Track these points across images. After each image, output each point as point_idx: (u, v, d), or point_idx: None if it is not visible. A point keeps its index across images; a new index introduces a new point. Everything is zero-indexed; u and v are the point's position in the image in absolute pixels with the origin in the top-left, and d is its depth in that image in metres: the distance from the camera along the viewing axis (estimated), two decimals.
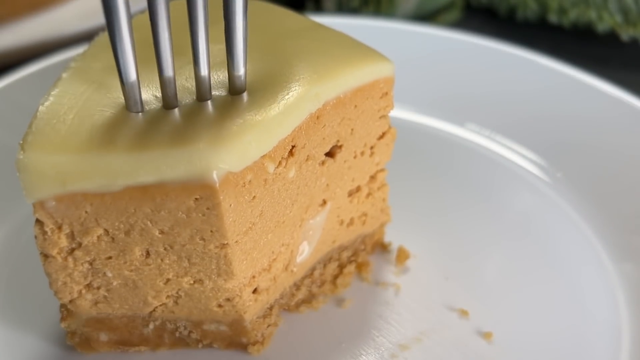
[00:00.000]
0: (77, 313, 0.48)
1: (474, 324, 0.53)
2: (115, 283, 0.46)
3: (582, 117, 0.71)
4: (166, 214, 0.42)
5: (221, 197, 0.41)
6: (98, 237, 0.43)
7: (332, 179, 0.52)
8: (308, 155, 0.48)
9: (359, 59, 0.49)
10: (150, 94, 0.43)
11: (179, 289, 0.47)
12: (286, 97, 0.44)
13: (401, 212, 0.61)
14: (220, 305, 0.48)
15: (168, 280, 0.46)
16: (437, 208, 0.64)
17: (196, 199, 0.41)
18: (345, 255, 0.58)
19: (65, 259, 0.44)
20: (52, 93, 0.44)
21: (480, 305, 0.55)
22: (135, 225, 0.43)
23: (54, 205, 0.41)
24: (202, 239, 0.43)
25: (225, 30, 0.41)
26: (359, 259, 0.58)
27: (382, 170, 0.56)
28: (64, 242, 0.43)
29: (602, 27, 0.92)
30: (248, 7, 0.41)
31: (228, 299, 0.47)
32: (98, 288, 0.46)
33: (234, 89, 0.43)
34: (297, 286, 0.55)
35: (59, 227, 0.43)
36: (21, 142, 0.41)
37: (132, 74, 0.40)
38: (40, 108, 0.43)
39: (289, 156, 0.46)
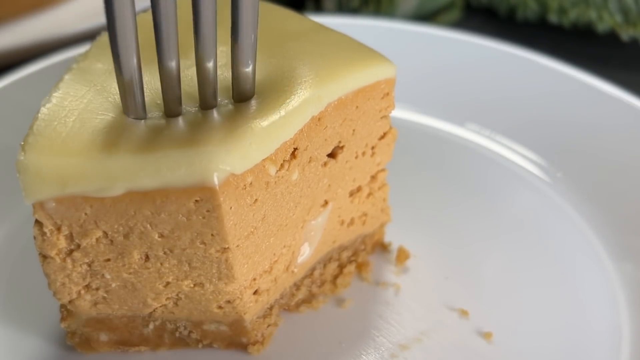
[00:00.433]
0: (76, 313, 0.48)
1: (474, 324, 0.53)
2: (113, 285, 0.46)
3: (582, 117, 0.71)
4: (166, 217, 0.42)
5: (221, 199, 0.41)
6: (97, 239, 0.43)
7: (334, 179, 0.52)
8: (311, 157, 0.48)
9: (361, 61, 0.49)
10: (151, 99, 0.43)
11: (179, 292, 0.47)
12: (289, 100, 0.44)
13: (401, 211, 0.61)
14: (220, 307, 0.48)
15: (168, 283, 0.46)
16: (437, 208, 0.64)
17: (196, 200, 0.41)
18: (345, 255, 0.58)
19: (64, 260, 0.44)
20: (54, 95, 0.44)
21: (480, 305, 0.55)
22: (134, 228, 0.43)
23: (54, 207, 0.41)
24: (203, 242, 0.43)
25: (232, 26, 0.41)
26: (359, 259, 0.58)
27: (382, 170, 0.56)
28: (62, 243, 0.43)
29: (602, 27, 0.92)
30: None
31: (228, 301, 0.47)
32: (97, 289, 0.46)
33: (243, 94, 0.43)
34: (297, 286, 0.55)
35: (58, 229, 0.43)
36: (22, 143, 0.41)
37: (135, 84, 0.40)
38: (42, 109, 0.43)
39: (291, 159, 0.46)
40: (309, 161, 0.48)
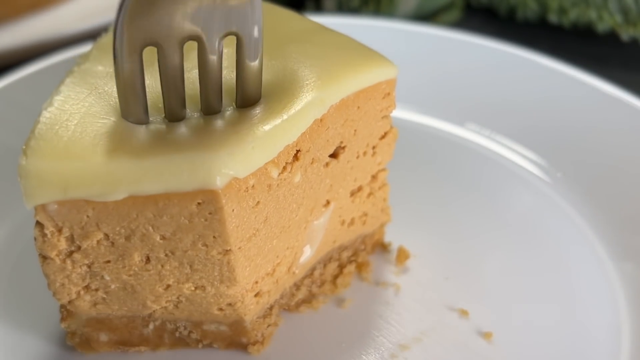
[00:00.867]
0: (76, 313, 0.48)
1: (474, 324, 0.53)
2: (113, 286, 0.46)
3: (582, 117, 0.71)
4: (168, 219, 0.42)
5: (223, 202, 0.41)
6: (98, 241, 0.43)
7: (335, 179, 0.52)
8: (313, 158, 0.48)
9: (363, 63, 0.49)
10: (152, 102, 0.43)
11: (180, 295, 0.47)
12: (291, 104, 0.44)
13: (401, 211, 0.61)
14: (221, 309, 0.48)
15: (168, 286, 0.46)
16: (437, 208, 0.64)
17: (199, 203, 0.41)
18: (345, 255, 0.58)
19: (64, 261, 0.44)
20: (55, 98, 0.44)
21: (480, 305, 0.55)
22: (136, 230, 0.43)
23: (56, 209, 0.41)
24: (205, 244, 0.43)
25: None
26: (359, 258, 0.58)
27: (383, 169, 0.56)
28: (63, 244, 0.43)
29: (602, 27, 0.92)
30: None
31: (230, 304, 0.47)
32: (96, 290, 0.46)
33: (249, 99, 0.43)
34: (297, 286, 0.55)
35: (59, 230, 0.42)
36: (24, 147, 0.40)
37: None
38: (43, 113, 0.42)
39: (293, 161, 0.46)
40: (312, 162, 0.48)
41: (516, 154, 0.70)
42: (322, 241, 0.54)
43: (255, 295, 0.49)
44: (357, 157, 0.53)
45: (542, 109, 0.73)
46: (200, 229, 0.42)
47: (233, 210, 0.42)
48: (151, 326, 0.50)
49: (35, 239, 0.43)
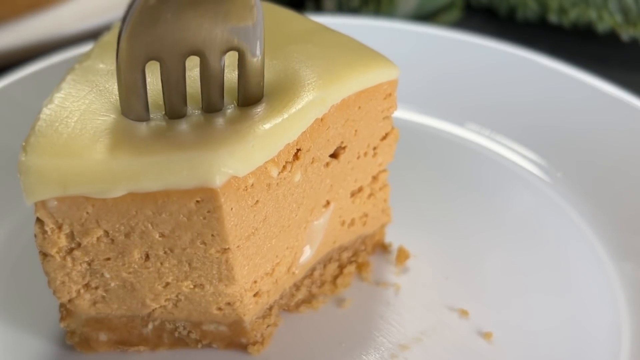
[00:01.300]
0: (76, 313, 0.48)
1: (474, 324, 0.53)
2: (112, 284, 0.46)
3: (582, 117, 0.71)
4: (167, 217, 0.42)
5: (222, 200, 0.41)
6: (98, 238, 0.43)
7: (336, 179, 0.52)
8: (313, 158, 0.48)
9: (365, 64, 0.49)
10: (153, 99, 0.43)
11: (179, 293, 0.47)
12: (292, 103, 0.44)
13: (401, 211, 0.61)
14: (220, 309, 0.48)
15: (167, 284, 0.46)
16: (437, 208, 0.64)
17: (197, 201, 0.41)
18: (345, 255, 0.58)
19: (64, 258, 0.44)
20: (56, 95, 0.44)
21: (480, 305, 0.55)
22: (135, 227, 0.43)
23: (56, 205, 0.41)
24: (203, 242, 0.43)
25: None
26: (359, 259, 0.58)
27: (384, 170, 0.56)
28: (63, 241, 0.43)
29: (602, 27, 0.92)
30: None
31: (228, 303, 0.47)
32: (96, 288, 0.46)
33: (250, 98, 0.43)
34: (296, 286, 0.55)
35: (59, 227, 0.43)
36: (23, 144, 0.41)
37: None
38: (44, 110, 0.43)
39: (294, 160, 0.46)
40: (312, 162, 0.48)
41: (516, 154, 0.70)
42: (322, 241, 0.54)
43: (255, 295, 0.49)
44: (358, 157, 0.53)
45: (542, 109, 0.73)
46: (198, 227, 0.42)
47: (232, 208, 0.42)
48: (150, 326, 0.50)
49: (35, 236, 0.43)
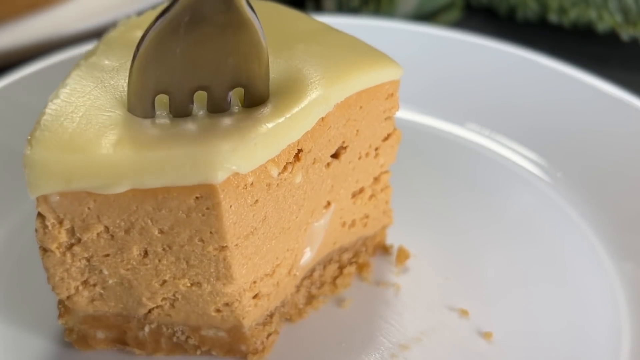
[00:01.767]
0: (74, 310, 0.48)
1: (474, 324, 0.53)
2: (110, 281, 0.46)
3: (582, 117, 0.71)
4: (167, 213, 0.42)
5: (221, 197, 0.41)
6: (98, 234, 0.43)
7: (337, 180, 0.52)
8: (315, 158, 0.48)
9: (370, 63, 0.49)
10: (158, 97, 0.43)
11: (176, 292, 0.47)
12: (296, 102, 0.44)
13: (401, 211, 0.61)
14: (218, 310, 0.48)
15: (164, 281, 0.46)
16: (437, 208, 0.64)
17: (197, 197, 0.41)
18: (345, 256, 0.58)
19: (64, 254, 0.44)
20: (61, 90, 0.44)
21: (480, 305, 0.55)
22: (135, 223, 0.43)
23: (58, 200, 0.41)
24: (201, 240, 0.43)
25: None
26: (359, 260, 0.58)
27: (386, 172, 0.56)
28: (63, 237, 0.43)
29: (602, 26, 0.92)
30: (256, 7, 0.41)
31: (227, 304, 0.47)
32: (94, 285, 0.46)
33: (256, 99, 0.43)
34: (296, 288, 0.54)
35: (60, 222, 0.43)
36: (29, 137, 0.41)
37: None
38: (49, 104, 0.43)
39: (294, 161, 0.46)
40: (313, 162, 0.48)
41: (516, 154, 0.70)
42: (322, 242, 0.54)
43: (254, 297, 0.49)
44: (359, 158, 0.53)
45: (542, 109, 0.73)
46: (197, 224, 0.43)
47: (231, 206, 0.42)
48: (147, 329, 0.49)
49: (36, 230, 0.43)
